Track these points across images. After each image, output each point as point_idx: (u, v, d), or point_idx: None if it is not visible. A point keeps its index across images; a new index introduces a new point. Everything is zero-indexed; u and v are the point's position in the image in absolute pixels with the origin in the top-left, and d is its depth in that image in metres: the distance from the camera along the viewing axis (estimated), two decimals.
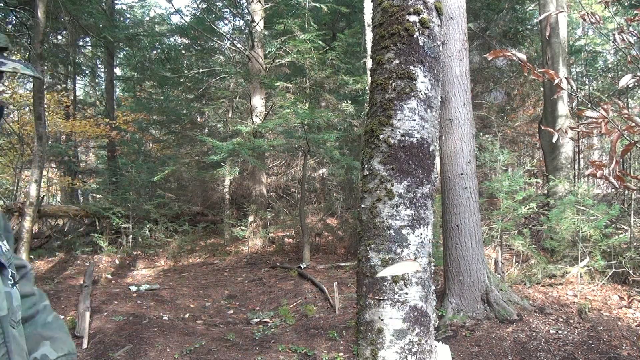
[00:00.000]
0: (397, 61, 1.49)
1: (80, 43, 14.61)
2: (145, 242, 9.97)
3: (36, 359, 0.98)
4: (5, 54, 0.82)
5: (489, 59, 1.79)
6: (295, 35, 8.80)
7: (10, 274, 0.88)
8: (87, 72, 16.52)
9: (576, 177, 9.76)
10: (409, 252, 1.46)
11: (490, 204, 8.52)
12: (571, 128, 2.11)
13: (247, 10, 11.74)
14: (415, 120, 1.48)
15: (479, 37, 11.75)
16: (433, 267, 1.58)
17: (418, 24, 1.48)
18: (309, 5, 9.15)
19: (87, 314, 4.54)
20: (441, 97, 1.75)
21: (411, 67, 1.48)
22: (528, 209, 6.35)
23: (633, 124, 1.72)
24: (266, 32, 11.33)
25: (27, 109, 11.78)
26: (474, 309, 4.74)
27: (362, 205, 1.56)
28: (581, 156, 12.91)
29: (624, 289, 5.42)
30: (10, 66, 0.78)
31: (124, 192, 10.26)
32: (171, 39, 14.50)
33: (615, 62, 12.31)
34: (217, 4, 13.48)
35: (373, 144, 1.53)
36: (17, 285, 0.90)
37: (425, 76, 1.50)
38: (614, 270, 5.62)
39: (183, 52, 13.99)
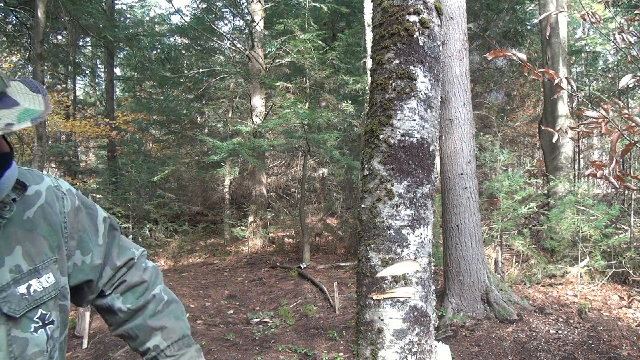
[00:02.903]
0: (397, 61, 1.49)
1: (80, 43, 14.61)
2: (145, 242, 9.97)
3: (149, 348, 1.03)
4: (7, 92, 0.70)
5: (489, 59, 1.79)
6: (295, 35, 8.80)
7: (38, 315, 0.81)
8: (87, 72, 16.52)
9: (576, 177, 9.76)
10: (409, 252, 1.46)
11: (490, 204, 8.52)
12: (571, 128, 2.11)
13: (247, 10, 11.75)
14: (415, 120, 1.48)
15: (479, 37, 11.75)
16: (433, 267, 1.58)
17: (418, 24, 1.48)
18: (309, 5, 9.15)
19: (87, 314, 4.54)
20: (441, 97, 1.75)
21: (411, 67, 1.48)
22: (528, 209, 6.35)
23: (633, 124, 1.72)
24: (266, 32, 11.33)
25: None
26: (474, 309, 4.74)
27: (362, 205, 1.56)
28: (581, 156, 12.91)
29: (624, 289, 5.42)
30: (2, 122, 0.64)
31: (124, 192, 10.26)
32: (171, 39, 14.49)
33: (615, 62, 12.31)
34: (217, 4, 13.48)
35: (373, 144, 1.53)
36: (48, 326, 0.84)
37: (425, 76, 1.50)
38: (614, 270, 5.62)
39: (183, 52, 13.99)
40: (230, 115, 13.59)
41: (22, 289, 0.80)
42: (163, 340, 1.04)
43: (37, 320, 0.81)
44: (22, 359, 0.78)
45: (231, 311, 5.95)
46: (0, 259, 0.78)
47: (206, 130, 14.74)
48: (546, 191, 8.70)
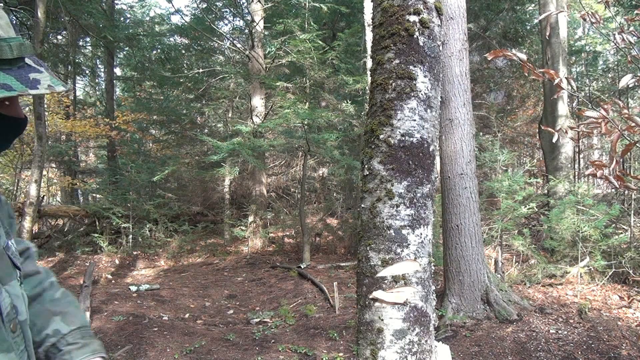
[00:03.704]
0: (397, 61, 1.49)
1: (80, 43, 14.61)
2: (145, 242, 9.97)
3: (48, 334, 0.95)
4: (27, 62, 0.72)
5: (489, 59, 1.79)
6: (295, 35, 8.80)
7: (18, 275, 0.85)
8: (87, 72, 16.52)
9: (576, 177, 9.76)
10: (409, 252, 1.46)
11: (490, 204, 8.52)
12: (571, 128, 2.11)
13: (247, 10, 11.75)
14: (415, 120, 1.48)
15: (479, 37, 11.75)
16: (433, 267, 1.58)
17: (418, 24, 1.48)
18: (309, 5, 9.14)
19: (87, 314, 4.54)
20: (441, 97, 1.75)
21: (411, 67, 1.48)
22: (528, 209, 6.35)
23: (633, 124, 1.72)
24: (266, 32, 11.32)
25: (27, 109, 11.78)
26: (474, 309, 4.74)
27: (362, 205, 1.56)
28: (581, 156, 12.92)
29: (624, 289, 5.42)
30: (44, 84, 0.68)
31: (124, 192, 10.26)
32: (171, 39, 14.50)
33: (615, 62, 12.31)
34: (217, 4, 13.48)
35: (373, 144, 1.53)
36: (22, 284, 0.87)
37: (425, 76, 1.50)
38: (614, 270, 5.62)
39: (183, 52, 13.99)
40: (230, 115, 13.58)
41: (13, 247, 0.84)
42: (64, 324, 0.97)
43: (19, 278, 0.84)
44: (26, 313, 0.82)
45: (231, 311, 5.95)
46: None
47: (206, 130, 14.73)
48: (546, 191, 8.70)
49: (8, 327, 0.75)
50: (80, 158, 17.54)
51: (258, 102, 10.56)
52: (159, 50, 13.90)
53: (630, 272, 5.49)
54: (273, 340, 4.62)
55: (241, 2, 13.45)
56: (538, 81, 11.42)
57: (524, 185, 6.50)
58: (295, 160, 13.08)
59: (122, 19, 14.92)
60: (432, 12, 1.52)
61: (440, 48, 1.58)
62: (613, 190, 8.97)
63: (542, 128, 6.05)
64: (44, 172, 11.45)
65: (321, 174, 13.79)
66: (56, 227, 11.01)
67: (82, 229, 10.52)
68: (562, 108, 8.63)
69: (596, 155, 13.97)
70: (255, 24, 10.32)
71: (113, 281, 7.68)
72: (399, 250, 1.45)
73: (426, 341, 1.48)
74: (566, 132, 2.12)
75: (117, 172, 11.07)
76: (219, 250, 10.46)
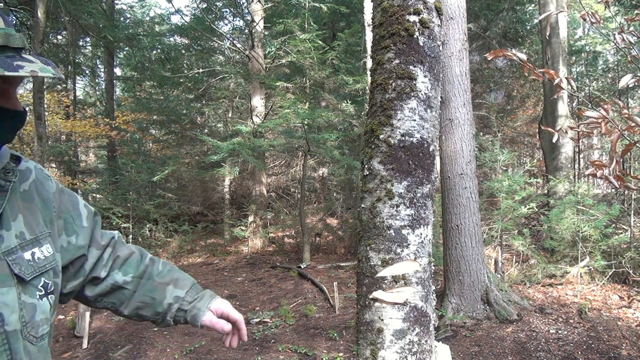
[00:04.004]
0: (397, 61, 1.49)
1: (80, 43, 14.61)
2: (145, 242, 9.97)
3: (170, 303, 1.05)
4: (22, 54, 0.75)
5: (489, 59, 1.79)
6: (295, 35, 8.80)
7: (41, 283, 0.83)
8: (87, 72, 16.51)
9: (576, 177, 9.77)
10: (409, 252, 1.46)
11: (490, 204, 8.52)
12: (571, 128, 2.11)
13: (247, 10, 11.75)
14: (415, 120, 1.48)
15: (479, 38, 11.75)
16: (433, 267, 1.58)
17: (418, 24, 1.48)
18: (309, 5, 9.14)
19: (87, 313, 4.54)
20: (441, 97, 1.75)
21: (411, 67, 1.48)
22: (528, 209, 6.35)
23: (633, 124, 1.72)
24: (266, 32, 11.33)
25: (27, 108, 11.77)
26: (474, 309, 4.74)
27: (362, 205, 1.56)
28: (581, 156, 12.92)
29: (624, 289, 5.42)
30: (27, 69, 0.70)
31: (124, 192, 10.26)
32: (171, 39, 14.49)
33: (615, 62, 12.31)
34: (217, 4, 13.48)
35: (373, 144, 1.53)
36: (50, 295, 0.85)
37: (425, 76, 1.50)
38: (614, 270, 5.62)
39: (183, 52, 13.98)
40: (230, 115, 13.58)
41: (27, 255, 0.81)
42: (179, 289, 1.07)
43: (40, 288, 0.83)
44: (31, 324, 0.79)
45: None
46: (8, 223, 0.80)
47: (206, 130, 14.74)
48: (546, 191, 8.70)
49: None
50: (80, 158, 17.53)
51: (258, 102, 10.56)
52: (159, 50, 13.90)
53: (630, 272, 5.49)
54: (273, 340, 4.62)
55: (241, 2, 13.45)
56: (538, 81, 11.42)
57: (524, 185, 6.50)
58: (295, 160, 13.08)
59: (122, 19, 14.91)
60: (432, 12, 1.52)
61: (440, 48, 1.58)
62: (613, 190, 8.97)
63: (542, 128, 6.04)
64: None
65: (321, 174, 13.79)
66: None
67: None
68: (562, 108, 8.63)
69: (596, 155, 13.97)
70: (255, 24, 10.32)
71: None
72: (399, 250, 1.45)
73: (426, 341, 1.48)
74: (566, 132, 2.12)
75: (117, 172, 11.06)
76: (219, 250, 10.46)
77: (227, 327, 1.06)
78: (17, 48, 0.74)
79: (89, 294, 1.02)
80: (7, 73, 0.67)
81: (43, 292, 0.83)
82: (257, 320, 5.39)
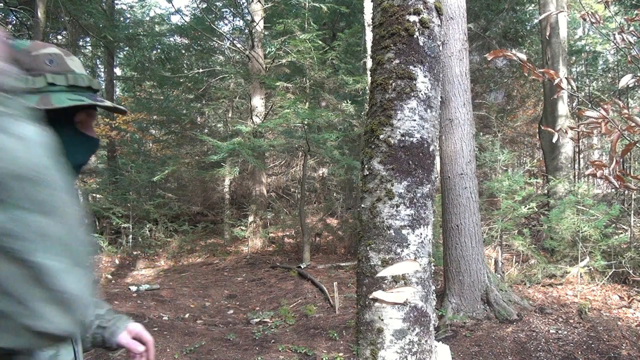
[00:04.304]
0: (397, 61, 1.49)
1: (80, 43, 14.60)
2: (145, 242, 9.96)
3: (91, 320, 1.12)
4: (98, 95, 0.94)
5: (489, 59, 1.79)
6: (295, 35, 8.80)
7: None
8: (87, 72, 16.47)
9: (576, 177, 9.77)
10: (409, 252, 1.46)
11: (490, 204, 8.52)
12: (571, 128, 2.11)
13: (247, 10, 11.75)
14: (415, 120, 1.48)
15: (479, 38, 11.75)
16: (433, 267, 1.58)
17: (418, 24, 1.48)
18: (309, 5, 9.14)
19: None
20: (441, 97, 1.75)
21: (411, 67, 1.48)
22: (528, 209, 6.35)
23: (633, 124, 1.72)
24: (266, 32, 11.32)
25: None
26: (474, 309, 4.74)
27: (362, 205, 1.56)
28: (581, 156, 12.92)
29: (624, 289, 5.42)
30: (108, 103, 0.91)
31: (124, 192, 10.26)
32: (171, 39, 14.48)
33: (615, 62, 12.31)
34: (217, 4, 13.48)
35: (373, 144, 1.53)
36: None
37: (425, 76, 1.50)
38: (614, 270, 5.62)
39: (183, 52, 13.98)
40: (230, 115, 13.58)
41: None
42: (100, 308, 1.14)
43: None
44: None
45: (231, 311, 5.95)
46: None
47: (206, 130, 14.73)
48: (546, 191, 8.70)
49: None
50: None
51: (258, 102, 10.56)
52: (159, 50, 13.89)
53: (630, 272, 5.49)
54: (273, 340, 4.62)
55: (241, 2, 13.45)
56: (538, 81, 11.42)
57: (524, 185, 6.50)
58: (295, 160, 13.08)
59: (122, 19, 14.91)
60: (432, 12, 1.52)
61: (440, 48, 1.58)
62: (613, 190, 8.97)
63: (542, 128, 6.05)
64: None
65: (321, 174, 13.79)
66: None
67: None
68: (562, 108, 8.63)
69: (596, 155, 13.96)
70: (255, 24, 10.32)
71: (113, 281, 7.68)
72: (399, 250, 1.45)
73: (426, 341, 1.48)
74: (566, 132, 2.12)
75: (117, 172, 11.07)
76: (219, 250, 10.46)
77: (141, 348, 1.12)
78: (96, 90, 0.93)
79: None
80: (98, 103, 0.88)
81: None
82: (257, 320, 5.39)
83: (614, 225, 6.34)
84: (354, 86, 8.91)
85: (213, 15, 12.98)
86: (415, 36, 1.48)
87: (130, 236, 9.76)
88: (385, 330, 1.44)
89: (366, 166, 1.54)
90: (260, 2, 10.40)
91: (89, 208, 10.21)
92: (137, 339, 1.13)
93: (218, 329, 5.12)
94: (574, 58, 12.94)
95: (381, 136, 1.50)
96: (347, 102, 9.30)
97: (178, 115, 13.00)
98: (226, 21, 14.89)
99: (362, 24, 8.95)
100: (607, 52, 13.05)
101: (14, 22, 10.45)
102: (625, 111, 1.76)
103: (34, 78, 0.82)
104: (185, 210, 11.56)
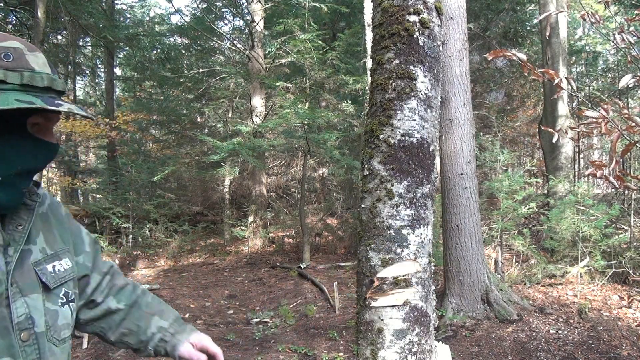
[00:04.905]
0: (397, 61, 1.49)
1: (80, 43, 14.61)
2: (145, 242, 9.96)
3: (154, 332, 1.12)
4: (62, 97, 0.89)
5: (489, 59, 1.79)
6: (295, 35, 8.80)
7: (62, 292, 0.93)
8: (87, 72, 16.52)
9: (576, 177, 9.77)
10: (409, 252, 1.46)
11: (490, 204, 8.52)
12: (571, 128, 2.11)
13: (247, 10, 11.74)
14: (415, 120, 1.48)
15: (479, 38, 11.75)
16: (433, 267, 1.58)
17: (418, 24, 1.48)
18: (309, 5, 9.14)
19: None
20: (441, 97, 1.75)
21: (411, 67, 1.48)
22: (528, 209, 6.35)
23: (633, 124, 1.72)
24: (266, 32, 11.32)
25: None
26: (474, 309, 4.74)
27: (362, 205, 1.56)
28: (581, 156, 12.91)
29: (624, 289, 5.42)
30: (66, 107, 0.83)
31: (124, 192, 10.26)
32: (171, 39, 14.48)
33: (615, 62, 12.31)
34: (217, 4, 13.48)
35: (373, 144, 1.53)
36: (71, 303, 0.95)
37: (425, 76, 1.50)
38: (614, 270, 5.62)
39: (183, 52, 13.98)
40: (230, 115, 13.58)
41: (49, 267, 0.92)
42: (164, 320, 1.14)
43: (62, 297, 0.93)
44: (54, 328, 0.90)
45: (231, 311, 5.95)
46: (33, 239, 0.92)
47: (206, 131, 14.73)
48: (546, 191, 8.70)
49: (17, 335, 0.83)
50: (80, 158, 17.54)
51: (258, 102, 10.56)
52: (159, 50, 13.89)
53: (630, 272, 5.49)
54: (273, 340, 4.62)
55: (241, 2, 13.45)
56: (538, 81, 11.42)
57: (524, 185, 6.50)
58: (295, 160, 13.08)
59: (122, 19, 14.91)
60: (432, 12, 1.52)
61: (440, 48, 1.58)
62: (613, 190, 8.97)
63: (542, 128, 6.05)
64: (44, 172, 11.45)
65: (321, 174, 13.79)
66: None
67: None
68: (562, 108, 8.62)
69: (596, 155, 13.96)
70: (255, 24, 10.32)
71: None
72: (399, 250, 1.45)
73: (426, 341, 1.48)
74: (566, 132, 2.12)
75: (117, 172, 11.07)
76: (219, 250, 10.46)
77: (203, 357, 1.11)
78: (59, 91, 0.87)
79: (82, 317, 1.09)
80: (50, 107, 0.79)
81: (64, 300, 0.94)
82: (257, 320, 5.39)
83: (614, 225, 6.34)
84: (354, 86, 8.90)
85: (213, 15, 12.98)
86: (415, 36, 1.48)
87: (130, 236, 9.76)
88: (385, 330, 1.44)
89: (366, 166, 1.55)
90: (260, 2, 10.40)
91: (89, 208, 10.22)
92: (203, 350, 1.12)
93: (218, 329, 5.12)
94: (574, 58, 12.94)
95: (381, 136, 1.50)
96: (347, 102, 9.30)
97: (178, 115, 13.00)
98: (226, 21, 14.90)
99: (362, 24, 8.95)
100: (607, 52, 13.05)
101: (14, 22, 10.45)
102: (625, 111, 1.76)
103: None
104: (185, 210, 11.56)
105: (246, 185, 12.86)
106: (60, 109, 0.81)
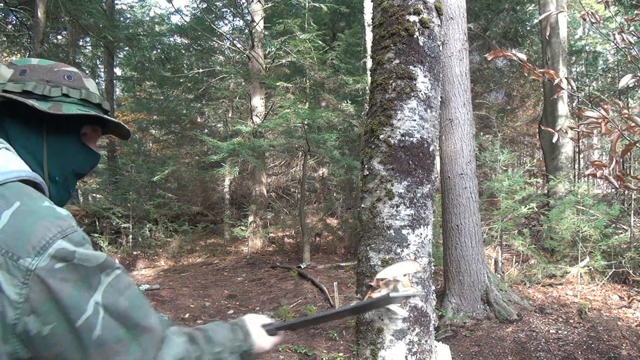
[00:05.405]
0: (397, 61, 1.49)
1: (80, 43, 14.60)
2: (145, 242, 9.96)
3: None
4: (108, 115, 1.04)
5: (489, 59, 1.79)
6: (295, 35, 8.79)
7: None
8: (87, 72, 16.48)
9: (576, 177, 9.77)
10: (409, 252, 1.46)
11: (490, 204, 8.52)
12: (571, 128, 2.11)
13: (247, 10, 11.74)
14: (415, 120, 1.48)
15: (479, 38, 11.75)
16: (433, 267, 1.58)
17: (418, 24, 1.49)
18: (309, 5, 9.14)
19: None
20: (441, 97, 1.75)
21: (411, 67, 1.48)
22: (528, 209, 6.35)
23: (633, 124, 1.72)
24: (266, 32, 11.32)
25: None
26: (474, 309, 4.74)
27: (362, 205, 1.56)
28: (581, 156, 12.92)
29: (624, 289, 5.42)
30: (116, 120, 1.02)
31: (124, 192, 10.26)
32: (171, 39, 14.48)
33: (615, 62, 12.31)
34: (217, 4, 13.48)
35: (373, 144, 1.53)
36: None
37: (425, 76, 1.50)
38: (614, 270, 5.62)
39: (183, 52, 13.98)
40: (230, 115, 13.58)
41: None
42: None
43: None
44: None
45: (231, 311, 5.95)
46: None
47: (206, 130, 14.73)
48: (546, 191, 8.70)
49: None
50: None
51: (258, 102, 10.56)
52: (159, 50, 13.89)
53: (630, 272, 5.49)
54: None
55: (241, 2, 13.45)
56: (538, 81, 11.42)
57: (524, 185, 6.50)
58: (295, 160, 13.08)
59: (122, 19, 14.91)
60: (432, 12, 1.52)
61: (440, 48, 1.58)
62: (613, 190, 8.97)
63: (542, 128, 6.05)
64: None
65: (321, 174, 13.78)
66: None
67: (82, 228, 10.49)
68: (562, 108, 8.62)
69: (596, 155, 13.97)
70: (255, 24, 10.32)
71: None
72: (399, 250, 1.45)
73: (426, 341, 1.48)
74: (566, 132, 2.12)
75: (117, 172, 11.07)
76: (219, 250, 10.45)
77: None
78: (105, 110, 1.02)
79: None
80: (105, 116, 0.99)
81: None
82: None
83: (614, 225, 6.34)
84: (354, 86, 8.90)
85: (213, 15, 12.98)
86: (415, 36, 1.48)
87: (130, 236, 9.76)
88: (385, 330, 1.44)
89: (366, 166, 1.55)
90: (260, 2, 10.40)
91: (89, 208, 10.22)
92: None
93: None
94: (574, 58, 12.93)
95: (381, 136, 1.50)
96: (347, 102, 9.30)
97: (178, 115, 13.00)
98: (226, 21, 14.89)
99: (362, 24, 8.95)
100: (607, 52, 13.04)
101: (14, 22, 10.46)
102: (625, 111, 1.76)
103: (51, 88, 0.92)
104: (185, 210, 11.56)
105: (246, 185, 12.86)
106: (111, 118, 1.01)
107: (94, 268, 0.76)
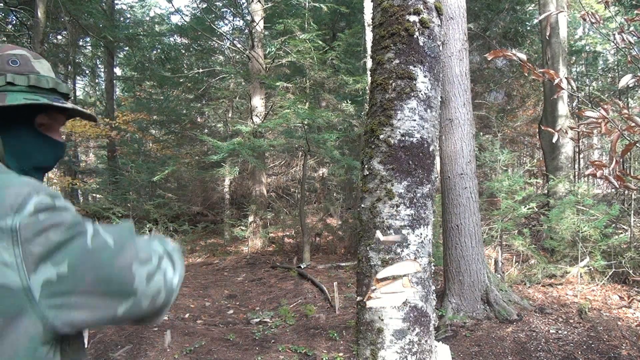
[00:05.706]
0: (397, 61, 1.49)
1: (80, 43, 14.61)
2: None
3: None
4: (66, 100, 0.96)
5: (489, 59, 1.79)
6: (295, 35, 8.80)
7: None
8: (87, 72, 16.53)
9: (576, 177, 9.76)
10: (409, 252, 1.46)
11: (490, 204, 8.52)
12: (571, 128, 2.11)
13: (247, 10, 11.75)
14: (415, 120, 1.48)
15: (479, 38, 11.75)
16: (433, 267, 1.58)
17: (418, 24, 1.48)
18: (309, 5, 9.14)
19: None
20: (441, 97, 1.75)
21: (411, 67, 1.48)
22: (528, 209, 6.35)
23: (633, 124, 1.72)
24: (266, 32, 11.33)
25: None
26: (474, 309, 4.74)
27: (362, 205, 1.56)
28: (581, 156, 12.92)
29: (624, 289, 5.42)
30: (69, 105, 0.92)
31: (124, 192, 10.27)
32: (171, 39, 14.49)
33: (615, 62, 12.31)
34: (217, 4, 13.48)
35: (373, 144, 1.53)
36: None
37: (425, 76, 1.50)
38: (614, 270, 5.62)
39: (183, 52, 13.99)
40: (230, 115, 13.58)
41: None
42: None
43: None
44: None
45: (231, 311, 5.95)
46: None
47: (206, 131, 14.74)
48: (546, 191, 8.70)
49: None
50: (80, 158, 17.55)
51: (258, 102, 10.56)
52: (159, 50, 13.90)
53: (630, 272, 5.49)
54: (273, 340, 4.62)
55: (241, 2, 13.45)
56: (538, 81, 11.42)
57: (524, 185, 6.50)
58: (295, 160, 13.08)
59: (122, 19, 14.92)
60: (432, 12, 1.52)
61: (440, 48, 1.58)
62: (613, 190, 8.97)
63: (542, 128, 6.05)
64: None
65: (321, 174, 13.78)
66: None
67: None
68: (562, 108, 8.62)
69: (596, 155, 13.97)
70: (255, 24, 10.32)
71: None
72: (399, 250, 1.45)
73: (426, 341, 1.48)
74: (566, 132, 2.12)
75: (117, 172, 11.07)
76: (219, 250, 10.46)
77: None
78: (63, 94, 0.94)
79: None
80: (54, 104, 0.88)
81: None
82: (257, 320, 5.39)
83: (614, 225, 6.34)
84: (354, 86, 8.90)
85: (213, 15, 12.98)
86: (415, 36, 1.48)
87: None
88: (385, 330, 1.44)
89: (366, 166, 1.55)
90: (260, 2, 10.40)
91: (89, 208, 10.21)
92: None
93: (218, 329, 5.12)
94: (574, 58, 12.93)
95: (381, 136, 1.50)
96: (347, 102, 9.30)
97: (178, 115, 13.00)
98: (226, 21, 14.89)
99: (362, 24, 8.95)
100: (607, 52, 13.04)
101: (14, 22, 10.46)
102: (625, 111, 1.76)
103: None
104: (185, 210, 11.56)
105: (246, 185, 12.86)
106: (64, 105, 0.90)
107: (75, 212, 0.78)
